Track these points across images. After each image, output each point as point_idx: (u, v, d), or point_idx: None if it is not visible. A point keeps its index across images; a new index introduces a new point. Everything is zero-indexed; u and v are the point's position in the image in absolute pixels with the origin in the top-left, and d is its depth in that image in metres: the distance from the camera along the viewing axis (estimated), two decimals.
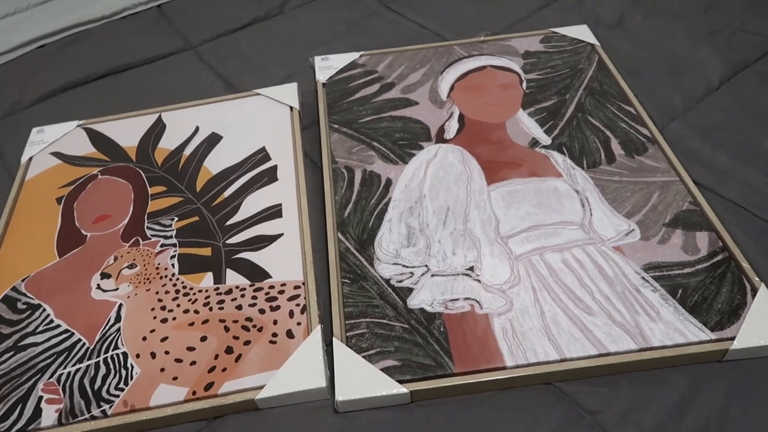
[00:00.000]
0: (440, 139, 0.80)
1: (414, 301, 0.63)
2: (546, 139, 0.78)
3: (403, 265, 0.66)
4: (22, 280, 0.69)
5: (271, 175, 0.77)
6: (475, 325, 0.60)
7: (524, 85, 0.87)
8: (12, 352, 0.62)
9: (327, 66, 0.93)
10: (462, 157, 0.77)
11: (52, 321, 0.65)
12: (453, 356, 0.58)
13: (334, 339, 0.60)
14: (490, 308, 0.61)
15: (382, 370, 0.57)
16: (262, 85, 0.92)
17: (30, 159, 0.83)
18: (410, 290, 0.64)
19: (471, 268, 0.65)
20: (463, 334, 0.59)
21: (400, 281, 0.65)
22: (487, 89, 0.87)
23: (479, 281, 0.64)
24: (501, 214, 0.70)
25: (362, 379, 0.57)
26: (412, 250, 0.67)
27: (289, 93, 0.88)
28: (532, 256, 0.65)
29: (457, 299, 0.62)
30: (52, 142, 0.84)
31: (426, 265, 0.66)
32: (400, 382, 0.56)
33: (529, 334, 0.59)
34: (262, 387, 0.57)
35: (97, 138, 0.85)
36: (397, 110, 0.85)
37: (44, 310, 0.66)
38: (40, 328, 0.64)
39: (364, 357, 0.58)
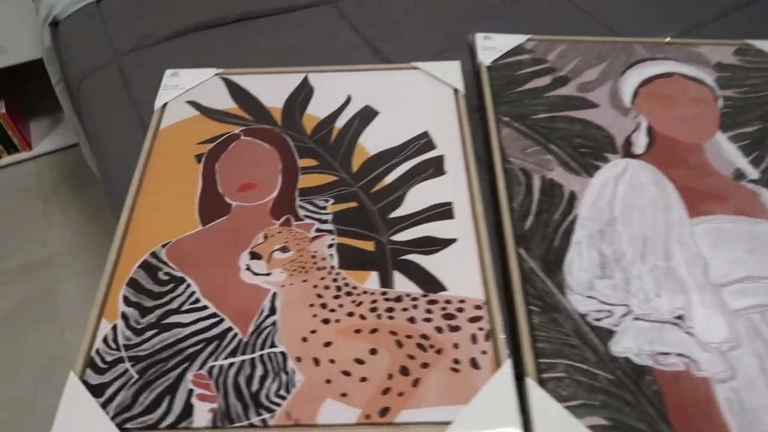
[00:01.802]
0: (627, 152, 0.70)
1: (618, 348, 0.54)
2: (754, 173, 0.68)
3: (600, 301, 0.58)
4: (163, 246, 0.61)
5: (437, 167, 0.68)
6: (694, 390, 0.52)
7: (720, 102, 0.76)
8: (155, 330, 0.55)
9: (490, 46, 0.83)
10: (655, 178, 0.68)
11: (198, 300, 0.57)
12: (672, 425, 0.50)
13: (528, 379, 0.52)
14: (709, 371, 0.53)
15: (590, 427, 0.49)
16: (412, 58, 0.82)
17: (164, 105, 0.75)
18: (610, 332, 0.55)
19: (680, 317, 0.56)
20: (680, 398, 0.51)
21: (598, 319, 0.56)
22: (676, 100, 0.76)
23: (691, 335, 0.55)
24: (708, 255, 0.61)
25: None
26: (608, 283, 0.59)
27: (452, 72, 0.78)
28: (751, 314, 0.57)
29: (669, 353, 0.54)
30: (188, 89, 0.76)
31: (626, 305, 0.57)
32: None
33: (760, 413, 0.50)
34: (446, 423, 0.50)
35: (237, 92, 0.76)
36: (575, 111, 0.75)
37: (188, 285, 0.58)
38: (186, 307, 0.57)
39: (566, 408, 0.50)
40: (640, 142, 0.71)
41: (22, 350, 1.35)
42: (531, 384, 0.52)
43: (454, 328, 0.55)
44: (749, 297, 0.58)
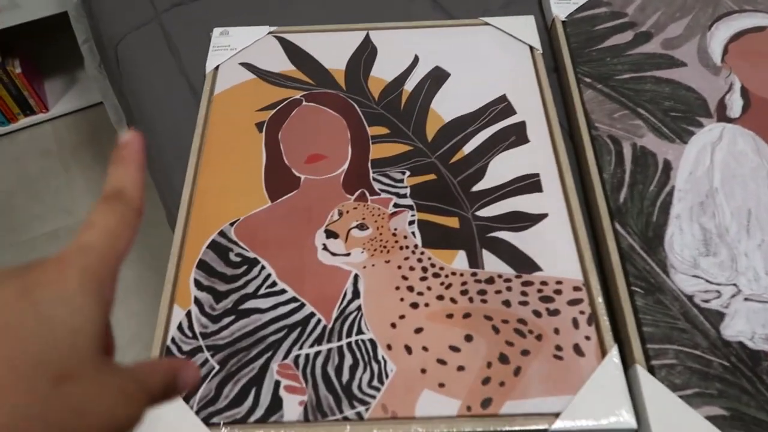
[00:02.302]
0: (722, 116, 0.65)
1: (729, 331, 0.51)
2: None
3: (707, 280, 0.54)
4: (231, 225, 0.57)
5: (519, 134, 0.63)
6: None
7: None
8: (233, 317, 0.52)
9: None
10: (756, 145, 0.63)
11: (275, 284, 0.53)
12: None
13: (638, 367, 0.48)
14: None
15: (707, 418, 0.46)
16: (478, 12, 0.76)
17: (216, 68, 0.69)
18: (719, 314, 0.52)
19: None
20: None
21: (707, 301, 0.52)
22: None
23: None
24: None
25: (683, 427, 0.46)
26: (713, 260, 0.55)
27: (526, 28, 0.72)
28: None
29: None
30: (240, 50, 0.70)
31: (735, 284, 0.53)
32: None
33: None
34: (554, 414, 0.47)
35: (294, 52, 0.70)
36: (662, 70, 0.69)
37: (263, 267, 0.54)
38: (263, 291, 0.53)
39: (681, 397, 0.47)
40: (735, 105, 0.66)
41: None
42: (641, 372, 0.48)
43: (553, 312, 0.52)
44: None
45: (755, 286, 0.53)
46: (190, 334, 0.51)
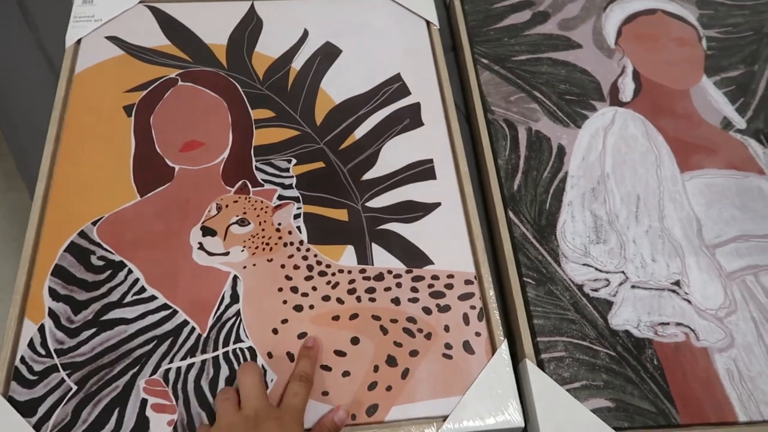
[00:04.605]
0: (615, 100, 0.65)
1: (616, 320, 0.51)
2: (741, 122, 0.65)
3: (596, 268, 0.53)
4: (93, 224, 0.51)
5: (414, 117, 0.60)
6: (695, 362, 0.49)
7: (704, 43, 0.71)
8: (94, 329, 0.46)
9: None
10: (645, 129, 0.63)
11: (144, 289, 0.48)
12: (675, 402, 0.47)
13: (527, 362, 0.48)
14: (707, 341, 0.50)
15: (594, 411, 0.46)
16: None
17: (78, 42, 0.61)
18: (608, 303, 0.52)
19: (677, 283, 0.53)
20: (683, 372, 0.49)
21: (596, 290, 0.52)
22: (660, 42, 0.70)
23: (689, 302, 0.52)
24: (701, 214, 0.57)
25: (569, 422, 0.45)
26: (603, 248, 0.55)
27: (424, 1, 0.68)
28: (745, 276, 0.54)
29: (668, 323, 0.51)
30: (106, 22, 0.62)
31: (623, 272, 0.53)
32: (616, 429, 0.46)
33: (758, 381, 0.49)
34: (441, 417, 0.45)
35: (169, 25, 0.63)
36: (558, 52, 0.68)
37: (130, 271, 0.49)
38: (129, 298, 0.48)
39: (569, 390, 0.47)
40: (627, 89, 0.66)
41: None
42: (531, 367, 0.47)
43: (444, 308, 0.50)
44: (743, 258, 0.55)
45: (642, 273, 0.54)
46: (42, 352, 0.45)
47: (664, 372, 0.49)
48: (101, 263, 0.49)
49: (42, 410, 0.43)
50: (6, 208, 1.26)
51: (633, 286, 0.53)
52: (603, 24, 0.71)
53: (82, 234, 0.50)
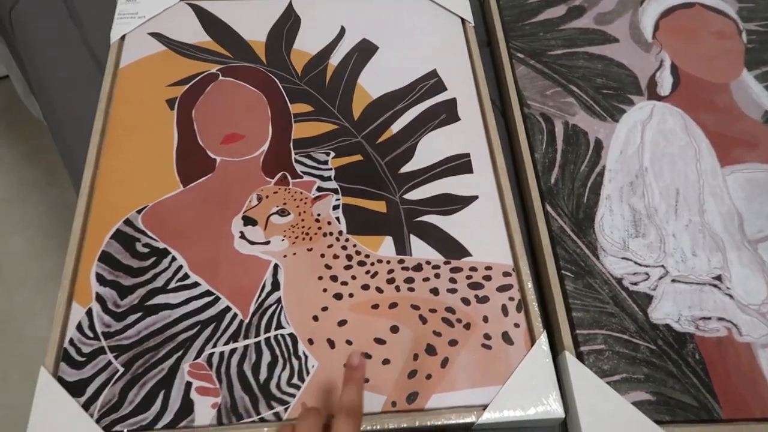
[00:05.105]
0: (653, 94, 0.64)
1: (657, 314, 0.50)
2: None
3: (635, 262, 0.53)
4: (138, 212, 0.52)
5: (450, 112, 0.60)
6: (737, 357, 0.48)
7: (744, 36, 0.70)
8: (140, 314, 0.47)
9: None
10: (684, 123, 0.62)
11: (187, 276, 0.49)
12: (718, 397, 0.47)
13: (566, 354, 0.47)
14: (750, 336, 0.50)
15: (634, 404, 0.46)
16: None
17: (123, 38, 0.62)
18: (648, 297, 0.51)
19: (718, 278, 0.53)
20: (725, 366, 0.48)
21: (635, 283, 0.52)
22: (699, 35, 0.70)
23: (731, 297, 0.52)
24: (742, 208, 0.57)
25: (610, 414, 0.45)
26: (643, 242, 0.54)
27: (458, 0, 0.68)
28: None
29: (709, 318, 0.50)
30: (149, 19, 0.64)
31: (663, 266, 0.53)
32: (657, 423, 0.45)
33: None
34: (481, 406, 0.45)
35: (210, 22, 0.64)
36: (594, 46, 0.67)
37: (174, 258, 0.50)
38: (173, 284, 0.49)
39: (608, 383, 0.46)
40: (666, 83, 0.65)
41: None
42: (570, 359, 0.47)
43: (483, 299, 0.50)
44: None
45: (682, 267, 0.53)
46: (90, 335, 0.46)
47: (706, 366, 0.48)
48: (146, 250, 0.50)
49: (90, 390, 0.44)
50: (47, 204, 1.30)
51: (673, 280, 0.52)
52: (640, 18, 0.70)
53: (128, 222, 0.51)
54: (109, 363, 0.45)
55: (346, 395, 0.39)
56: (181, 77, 0.60)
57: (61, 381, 0.44)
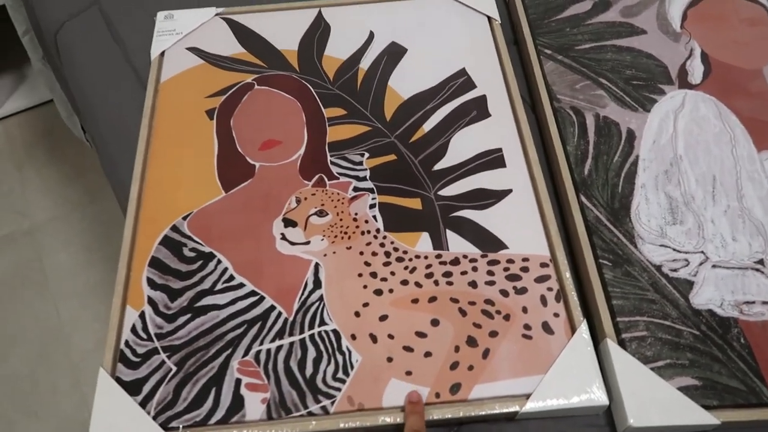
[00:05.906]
0: (684, 83, 0.64)
1: (698, 299, 0.50)
2: None
3: (674, 249, 0.53)
4: (183, 218, 0.54)
5: (480, 109, 0.61)
6: None
7: None
8: (189, 315, 0.49)
9: None
10: (718, 110, 0.62)
11: (232, 278, 0.51)
12: (766, 380, 0.46)
13: (608, 341, 0.47)
14: None
15: (680, 389, 0.46)
16: None
17: (162, 54, 0.65)
18: (689, 283, 0.51)
19: (760, 261, 0.52)
20: None
21: (675, 270, 0.52)
22: (729, 22, 0.69)
23: None
24: None
25: (656, 400, 0.45)
26: (680, 229, 0.54)
27: None
28: None
29: (753, 302, 0.50)
30: (186, 34, 0.66)
31: (702, 252, 0.53)
32: (705, 408, 0.45)
33: None
34: (524, 395, 0.45)
35: (244, 34, 0.67)
36: (622, 39, 0.67)
37: (219, 261, 0.52)
38: (220, 286, 0.51)
39: (652, 369, 0.46)
40: (696, 71, 0.65)
41: (14, 326, 1.28)
42: (612, 346, 0.47)
43: (521, 290, 0.50)
44: None
45: (723, 252, 0.53)
46: (144, 336, 0.48)
47: (752, 350, 0.47)
48: (193, 254, 0.52)
49: (146, 389, 0.46)
50: (89, 220, 1.34)
51: (714, 266, 0.52)
52: (667, 9, 0.70)
53: (174, 228, 0.54)
54: (163, 362, 0.47)
55: (410, 422, 0.43)
56: (218, 88, 0.62)
57: (119, 381, 0.46)
